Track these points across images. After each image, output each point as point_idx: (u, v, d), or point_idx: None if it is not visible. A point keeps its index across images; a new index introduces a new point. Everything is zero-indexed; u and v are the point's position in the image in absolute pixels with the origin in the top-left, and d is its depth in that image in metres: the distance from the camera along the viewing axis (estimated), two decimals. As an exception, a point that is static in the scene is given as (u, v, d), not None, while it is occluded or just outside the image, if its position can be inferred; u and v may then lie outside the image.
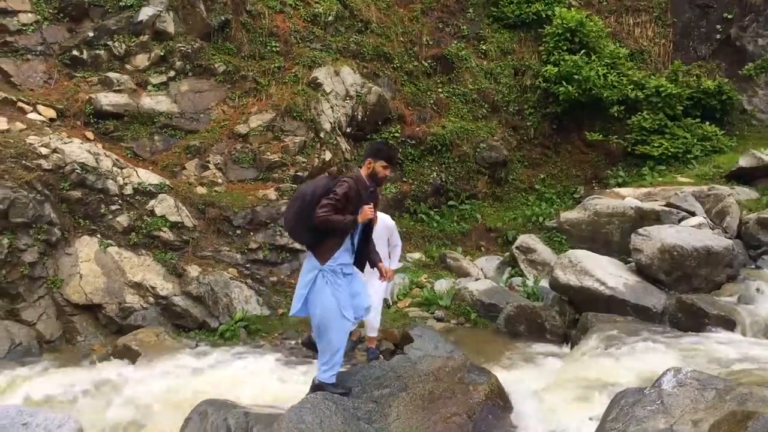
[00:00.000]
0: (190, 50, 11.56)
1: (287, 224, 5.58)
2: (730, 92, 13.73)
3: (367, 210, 5.32)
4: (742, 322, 7.25)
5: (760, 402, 3.58)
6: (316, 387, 5.38)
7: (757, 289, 8.11)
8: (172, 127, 10.92)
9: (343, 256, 5.44)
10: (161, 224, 9.35)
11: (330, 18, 13.33)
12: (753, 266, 9.30)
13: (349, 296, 5.48)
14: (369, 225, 5.55)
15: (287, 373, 7.09)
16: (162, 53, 11.36)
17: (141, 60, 11.32)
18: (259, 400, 6.14)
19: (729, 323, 7.23)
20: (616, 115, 13.75)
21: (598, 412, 4.44)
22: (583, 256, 8.69)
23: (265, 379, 6.83)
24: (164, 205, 9.51)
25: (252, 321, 8.82)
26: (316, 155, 11.28)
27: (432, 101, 13.68)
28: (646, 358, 6.14)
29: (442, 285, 9.92)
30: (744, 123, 14.19)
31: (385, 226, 6.29)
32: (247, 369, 7.25)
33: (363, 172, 5.51)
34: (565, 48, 14.31)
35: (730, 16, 15.03)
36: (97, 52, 11.13)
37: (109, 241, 9.04)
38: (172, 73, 11.41)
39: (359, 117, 12.33)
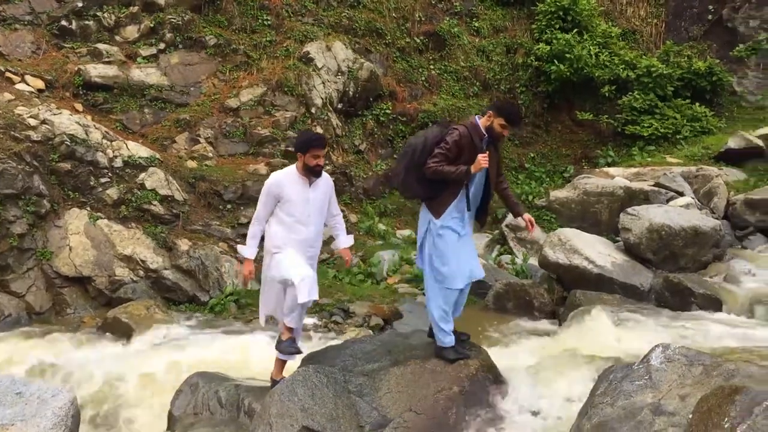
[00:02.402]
0: (180, 22, 11.44)
1: (396, 178, 5.25)
2: (721, 73, 13.77)
3: (481, 159, 4.90)
4: (727, 301, 7.35)
5: (746, 377, 3.65)
6: (436, 354, 5.15)
7: (747, 270, 8.22)
8: (162, 100, 10.84)
9: (457, 210, 5.09)
10: (151, 197, 9.32)
11: (322, -8, 13.23)
12: (739, 246, 9.43)
13: (461, 256, 5.10)
14: (488, 178, 5.18)
15: (278, 346, 7.12)
16: (152, 25, 11.23)
17: (131, 31, 11.20)
18: (250, 373, 6.18)
19: (715, 302, 7.33)
20: (606, 94, 13.77)
21: (587, 387, 4.51)
22: (572, 234, 8.75)
23: (255, 353, 6.85)
24: (154, 179, 9.47)
25: (242, 295, 8.84)
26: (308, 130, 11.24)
27: (424, 78, 13.64)
28: (634, 335, 6.23)
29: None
30: (734, 104, 14.25)
31: (330, 186, 5.51)
32: (237, 342, 7.28)
33: (482, 122, 5.10)
34: (557, 26, 14.28)
35: (722, -3, 15.04)
36: (86, 22, 10.99)
37: (99, 214, 9.00)
38: (162, 46, 11.30)
39: (351, 93, 12.28)
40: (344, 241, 5.64)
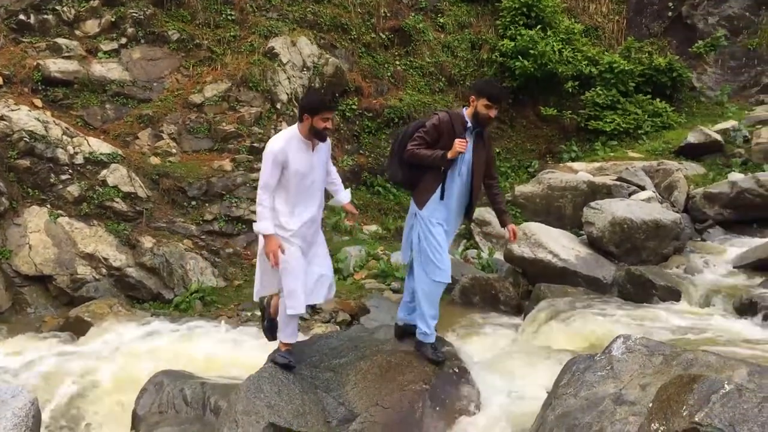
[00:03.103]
0: (142, 17, 11.27)
1: (386, 165, 5.36)
2: (681, 69, 14.02)
3: (457, 144, 4.77)
4: (687, 292, 7.51)
5: (704, 366, 3.73)
6: (416, 347, 5.15)
7: (703, 259, 8.41)
8: (124, 96, 10.67)
9: (441, 204, 4.98)
10: (114, 194, 9.18)
11: (287, -14, 13.15)
12: (699, 239, 9.62)
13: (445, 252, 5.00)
14: (473, 170, 5.04)
15: (243, 343, 7.09)
16: (113, 19, 11.05)
17: (91, 26, 11.01)
18: (215, 371, 6.14)
19: (675, 294, 7.47)
20: (570, 90, 13.93)
21: (551, 379, 4.57)
22: (536, 228, 8.85)
23: (221, 350, 6.82)
24: (117, 175, 9.33)
25: (207, 293, 8.77)
26: (273, 126, 11.17)
27: (389, 74, 13.64)
28: (597, 327, 6.33)
29: (399, 257, 9.98)
30: (693, 100, 14.52)
31: (329, 146, 5.19)
32: (203, 340, 7.22)
33: (468, 111, 4.99)
34: (521, 23, 14.40)
35: (681, -6, 15.31)
36: (45, 16, 10.77)
37: (60, 212, 8.85)
38: (123, 40, 11.13)
39: (316, 88, 12.22)
40: (346, 195, 5.40)
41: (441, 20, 14.86)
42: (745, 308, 6.75)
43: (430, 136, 4.92)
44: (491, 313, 8.17)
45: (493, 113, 4.93)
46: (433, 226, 4.98)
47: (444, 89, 14.03)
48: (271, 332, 5.29)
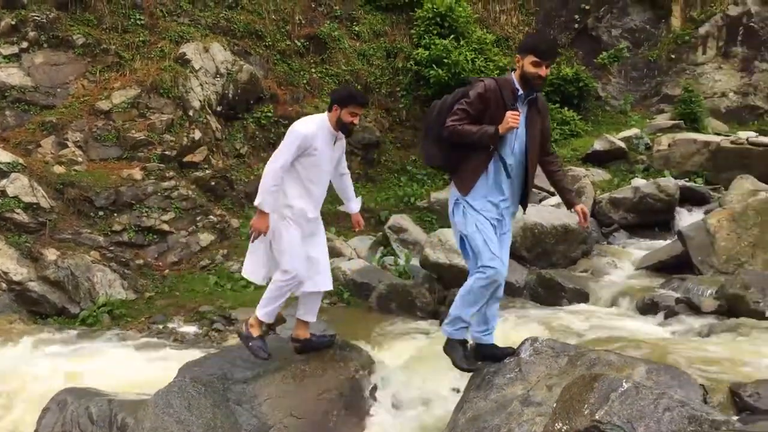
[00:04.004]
0: (44, 20, 10.82)
1: (419, 145, 4.59)
2: (587, 79, 14.57)
3: (509, 117, 4.02)
4: (594, 294, 7.79)
5: (606, 366, 3.88)
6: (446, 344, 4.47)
7: (610, 261, 8.75)
8: (26, 102, 10.22)
9: (492, 188, 4.25)
10: (14, 205, 8.76)
11: (198, -8, 12.92)
12: (605, 242, 10.00)
13: (497, 240, 4.26)
14: (527, 147, 4.27)
15: (154, 357, 6.88)
16: (13, 22, 10.56)
17: (-11, 29, 10.48)
18: (124, 387, 5.92)
19: (583, 295, 7.74)
20: (483, 99, 14.21)
21: (464, 382, 4.64)
22: (451, 235, 8.96)
23: (130, 365, 6.58)
24: (17, 185, 8.91)
25: (116, 306, 8.47)
26: (185, 134, 10.92)
27: (305, 81, 13.58)
28: (509, 330, 6.46)
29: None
30: (599, 109, 15.11)
31: (344, 145, 5.08)
32: (110, 355, 6.96)
33: (516, 75, 4.25)
34: (435, 32, 14.61)
35: (587, 7, 15.90)
36: (-63, 18, 10.19)
37: (-46, 224, 8.36)
38: (24, 44, 10.65)
39: (230, 95, 12.04)
40: (356, 205, 5.39)
41: (356, 28, 14.92)
42: (647, 308, 7.05)
43: (474, 108, 4.17)
44: (407, 319, 8.22)
45: (543, 72, 4.18)
46: (479, 214, 4.26)
47: (360, 97, 14.06)
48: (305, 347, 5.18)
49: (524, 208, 4.54)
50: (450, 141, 4.22)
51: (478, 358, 4.56)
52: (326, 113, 4.94)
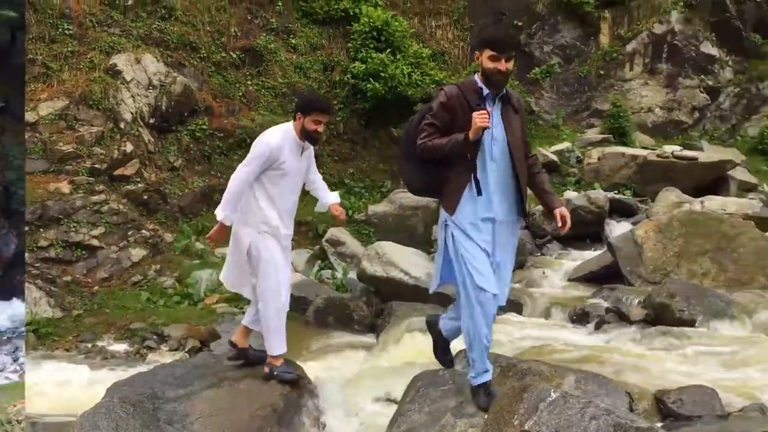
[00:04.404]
0: (-34, 28, 10.42)
1: (401, 172, 4.26)
2: (521, 94, 14.89)
3: (476, 118, 3.67)
4: (528, 304, 7.93)
5: (536, 376, 3.95)
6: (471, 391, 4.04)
7: (543, 272, 8.93)
8: (-55, 113, 9.79)
9: (479, 200, 3.89)
10: (-69, 221, 8.36)
11: (130, 2, 12.65)
12: (539, 254, 10.21)
13: (491, 262, 3.95)
14: (510, 148, 3.97)
15: (81, 378, 6.63)
16: (-69, 30, 10.13)
17: None
18: (48, 409, 5.70)
19: (517, 306, 7.87)
20: (419, 112, 14.36)
21: (398, 395, 4.64)
22: (388, 248, 9.00)
23: (55, 386, 6.34)
24: (-65, 200, 8.51)
25: (42, 324, 8.15)
26: (116, 147, 10.64)
27: (241, 94, 13.45)
28: (444, 342, 6.50)
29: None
30: (532, 123, 15.44)
31: (312, 153, 5.03)
32: (35, 375, 6.69)
33: (478, 75, 3.97)
34: (372, 46, 14.69)
35: (520, 24, 16.28)
36: None
37: None
38: (-56, 53, 10.22)
39: (163, 107, 11.81)
40: (334, 196, 5.37)
41: (293, 41, 14.88)
42: (579, 318, 7.23)
43: (441, 120, 3.90)
44: (345, 333, 8.19)
45: (503, 66, 3.85)
46: (470, 232, 3.92)
47: (297, 110, 14.00)
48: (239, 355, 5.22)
49: (524, 216, 4.21)
50: (426, 160, 3.96)
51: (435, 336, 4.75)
52: (291, 122, 4.89)
